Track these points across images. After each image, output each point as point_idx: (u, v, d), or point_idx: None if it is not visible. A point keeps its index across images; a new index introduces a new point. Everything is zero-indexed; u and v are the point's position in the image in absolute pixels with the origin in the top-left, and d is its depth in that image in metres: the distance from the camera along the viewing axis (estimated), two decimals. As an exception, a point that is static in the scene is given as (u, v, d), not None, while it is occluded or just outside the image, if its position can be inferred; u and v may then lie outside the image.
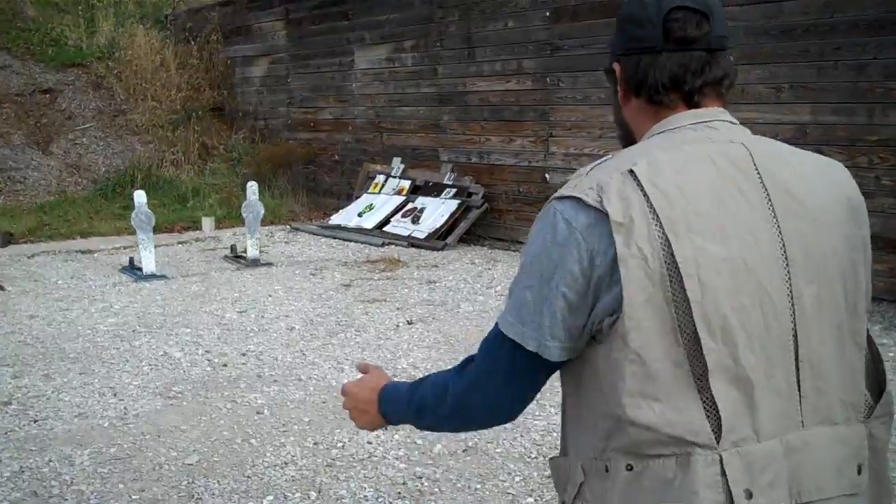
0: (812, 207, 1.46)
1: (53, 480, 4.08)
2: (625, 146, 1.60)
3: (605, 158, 1.51)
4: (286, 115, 13.77)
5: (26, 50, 14.98)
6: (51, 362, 5.84)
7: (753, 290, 1.39)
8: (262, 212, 9.27)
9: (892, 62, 6.77)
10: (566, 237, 1.41)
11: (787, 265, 1.42)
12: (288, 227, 11.54)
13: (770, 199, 1.43)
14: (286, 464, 4.29)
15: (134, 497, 3.94)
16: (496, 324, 1.54)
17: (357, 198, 11.63)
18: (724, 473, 1.36)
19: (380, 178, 11.60)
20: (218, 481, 4.10)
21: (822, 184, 1.49)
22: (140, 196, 8.59)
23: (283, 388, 5.32)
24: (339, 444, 4.49)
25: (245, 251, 9.26)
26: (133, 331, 6.60)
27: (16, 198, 12.42)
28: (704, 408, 1.37)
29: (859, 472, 1.46)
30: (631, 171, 1.41)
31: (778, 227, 1.42)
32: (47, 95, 14.28)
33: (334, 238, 10.66)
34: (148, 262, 8.51)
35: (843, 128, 7.11)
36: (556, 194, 1.47)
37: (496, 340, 1.53)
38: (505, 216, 10.28)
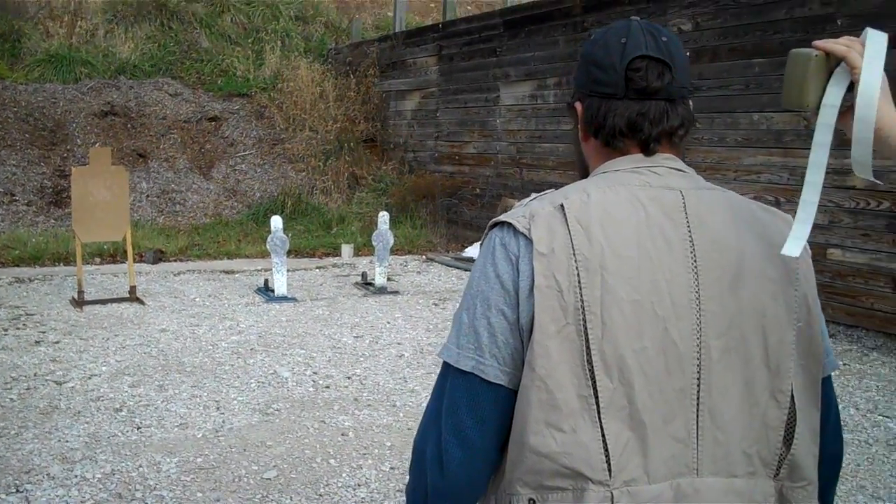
0: (737, 263, 1.44)
1: (139, 484, 4.33)
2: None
3: (549, 191, 1.53)
4: (433, 147, 14.06)
5: (198, 79, 15.88)
6: (168, 374, 6.17)
7: (657, 335, 1.38)
8: (392, 241, 9.49)
9: None
10: (501, 258, 1.44)
11: (699, 315, 1.40)
12: (424, 257, 11.75)
13: (694, 249, 1.43)
14: (359, 485, 4.40)
15: (209, 506, 4.14)
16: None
17: (493, 231, 11.70)
18: None
19: (517, 213, 11.64)
20: (291, 497, 4.25)
21: (756, 241, 1.46)
22: (276, 221, 8.96)
23: (374, 412, 5.44)
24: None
25: (374, 279, 9.51)
26: (251, 349, 6.89)
27: (174, 218, 13.14)
28: (603, 444, 1.37)
29: None
30: (561, 206, 1.43)
31: (697, 277, 1.41)
32: (213, 123, 15.08)
33: (466, 270, 10.78)
34: (280, 285, 8.84)
35: None
36: (494, 219, 1.50)
37: (439, 376, 1.51)
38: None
